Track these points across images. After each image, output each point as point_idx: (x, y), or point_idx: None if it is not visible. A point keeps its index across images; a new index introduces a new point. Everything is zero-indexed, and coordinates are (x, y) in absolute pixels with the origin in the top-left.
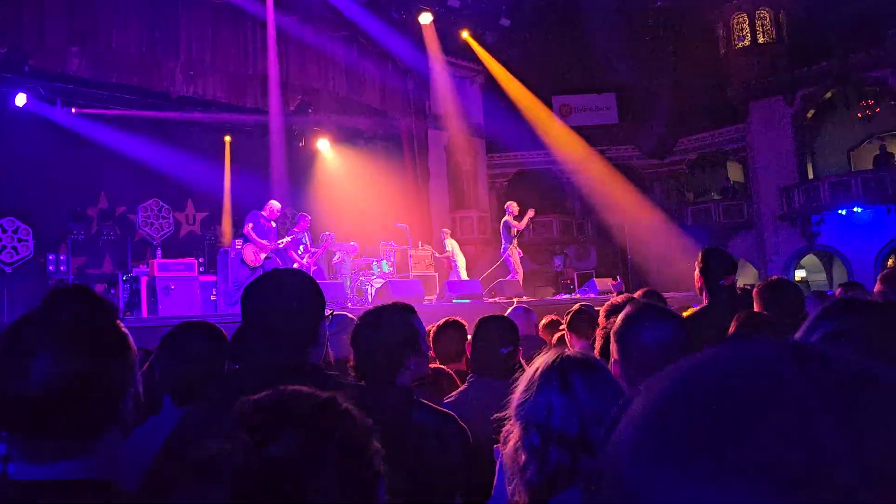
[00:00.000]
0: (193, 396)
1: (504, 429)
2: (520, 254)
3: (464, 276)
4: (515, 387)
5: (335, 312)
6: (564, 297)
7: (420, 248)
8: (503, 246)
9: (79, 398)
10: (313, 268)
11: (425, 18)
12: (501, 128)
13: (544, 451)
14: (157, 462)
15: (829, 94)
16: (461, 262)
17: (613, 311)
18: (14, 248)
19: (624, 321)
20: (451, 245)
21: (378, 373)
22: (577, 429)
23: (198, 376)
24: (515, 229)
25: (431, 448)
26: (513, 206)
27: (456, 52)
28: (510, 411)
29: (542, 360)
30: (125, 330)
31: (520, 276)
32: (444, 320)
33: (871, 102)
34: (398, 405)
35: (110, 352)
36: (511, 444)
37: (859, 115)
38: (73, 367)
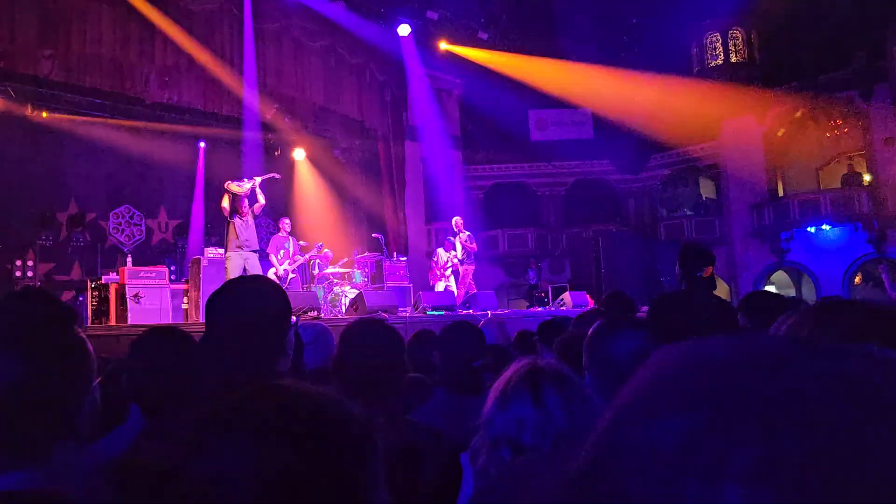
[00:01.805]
0: (162, 406)
1: (474, 441)
2: (461, 268)
3: (452, 286)
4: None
5: (311, 323)
6: (539, 310)
7: (395, 259)
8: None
9: (30, 406)
10: (291, 275)
11: (404, 30)
12: (478, 140)
13: None
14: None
15: (798, 114)
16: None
17: (582, 321)
18: None
19: (593, 333)
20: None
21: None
22: (550, 446)
23: (166, 385)
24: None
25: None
26: (455, 221)
27: (434, 64)
28: (481, 424)
29: (513, 371)
30: (83, 336)
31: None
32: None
33: (839, 122)
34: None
35: (65, 359)
36: (481, 458)
37: (828, 134)
38: (23, 373)
